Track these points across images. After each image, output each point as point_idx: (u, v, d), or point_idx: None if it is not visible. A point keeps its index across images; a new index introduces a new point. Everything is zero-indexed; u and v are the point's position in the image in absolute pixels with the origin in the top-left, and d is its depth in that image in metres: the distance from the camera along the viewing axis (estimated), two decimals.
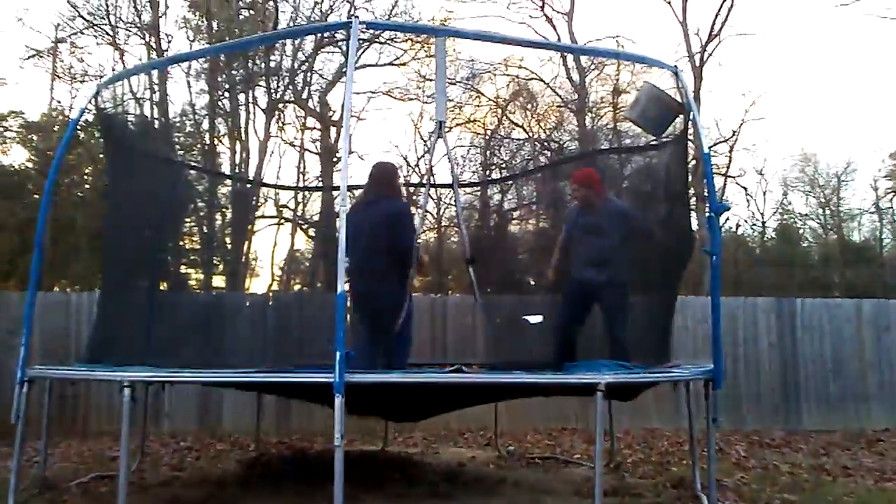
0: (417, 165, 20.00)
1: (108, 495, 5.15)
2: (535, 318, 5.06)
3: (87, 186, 18.18)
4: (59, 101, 19.17)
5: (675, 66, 5.35)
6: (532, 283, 7.29)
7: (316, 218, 15.81)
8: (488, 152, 21.03)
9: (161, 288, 7.40)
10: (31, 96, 38.19)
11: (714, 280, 4.52)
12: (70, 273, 17.75)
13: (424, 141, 19.98)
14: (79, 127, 14.20)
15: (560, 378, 4.50)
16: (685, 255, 5.54)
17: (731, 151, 23.25)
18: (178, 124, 16.49)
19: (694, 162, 15.13)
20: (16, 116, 19.61)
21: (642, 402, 9.27)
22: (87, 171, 18.23)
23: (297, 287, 14.34)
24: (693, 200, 16.06)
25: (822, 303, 10.09)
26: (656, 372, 4.77)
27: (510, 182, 9.29)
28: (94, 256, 15.05)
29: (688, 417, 5.46)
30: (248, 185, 11.93)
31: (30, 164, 18.91)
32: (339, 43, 17.68)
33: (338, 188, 4.78)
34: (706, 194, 5.19)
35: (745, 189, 26.26)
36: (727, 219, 20.61)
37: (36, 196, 15.96)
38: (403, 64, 19.88)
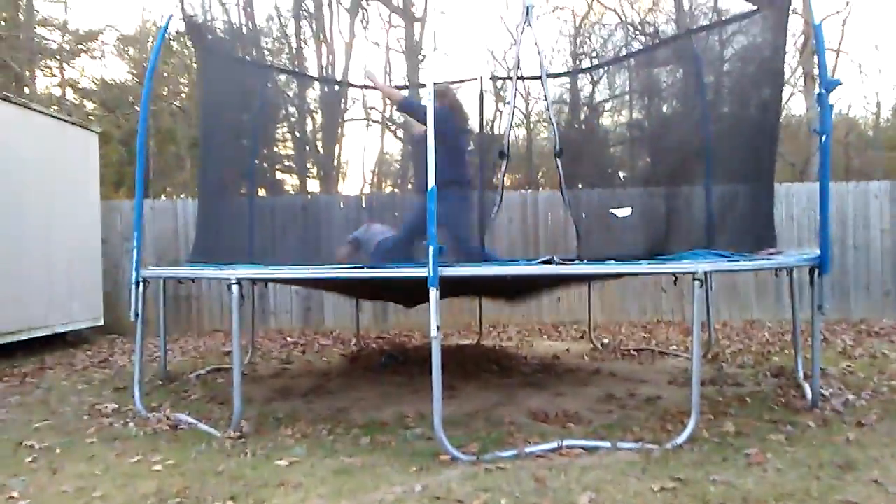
0: (504, 58, 19.42)
1: (224, 385, 5.53)
2: (623, 212, 4.84)
3: (183, 96, 18.64)
4: (150, 13, 19.52)
5: None
6: (623, 176, 7.05)
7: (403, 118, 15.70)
8: (578, 41, 20.06)
9: (259, 192, 7.65)
10: (124, 10, 39.11)
11: (823, 160, 4.24)
12: (175, 181, 18.49)
13: (510, 33, 19.23)
14: (171, 37, 14.51)
15: (656, 266, 4.34)
16: (773, 131, 5.22)
17: (843, 25, 21.55)
18: (264, 29, 16.47)
19: (803, 37, 14.10)
20: (111, 30, 20.21)
21: (743, 292, 9.12)
22: (182, 80, 18.66)
23: (388, 189, 14.43)
24: (802, 78, 15.03)
25: None
26: (758, 259, 4.57)
27: (601, 71, 8.85)
28: (196, 164, 15.58)
29: (790, 306, 5.29)
30: (336, 87, 11.92)
31: (129, 77, 19.50)
32: None
33: (424, 86, 4.70)
34: (817, 71, 4.78)
35: (860, 66, 24.26)
36: (838, 98, 19.09)
37: (137, 108, 16.49)
38: None
